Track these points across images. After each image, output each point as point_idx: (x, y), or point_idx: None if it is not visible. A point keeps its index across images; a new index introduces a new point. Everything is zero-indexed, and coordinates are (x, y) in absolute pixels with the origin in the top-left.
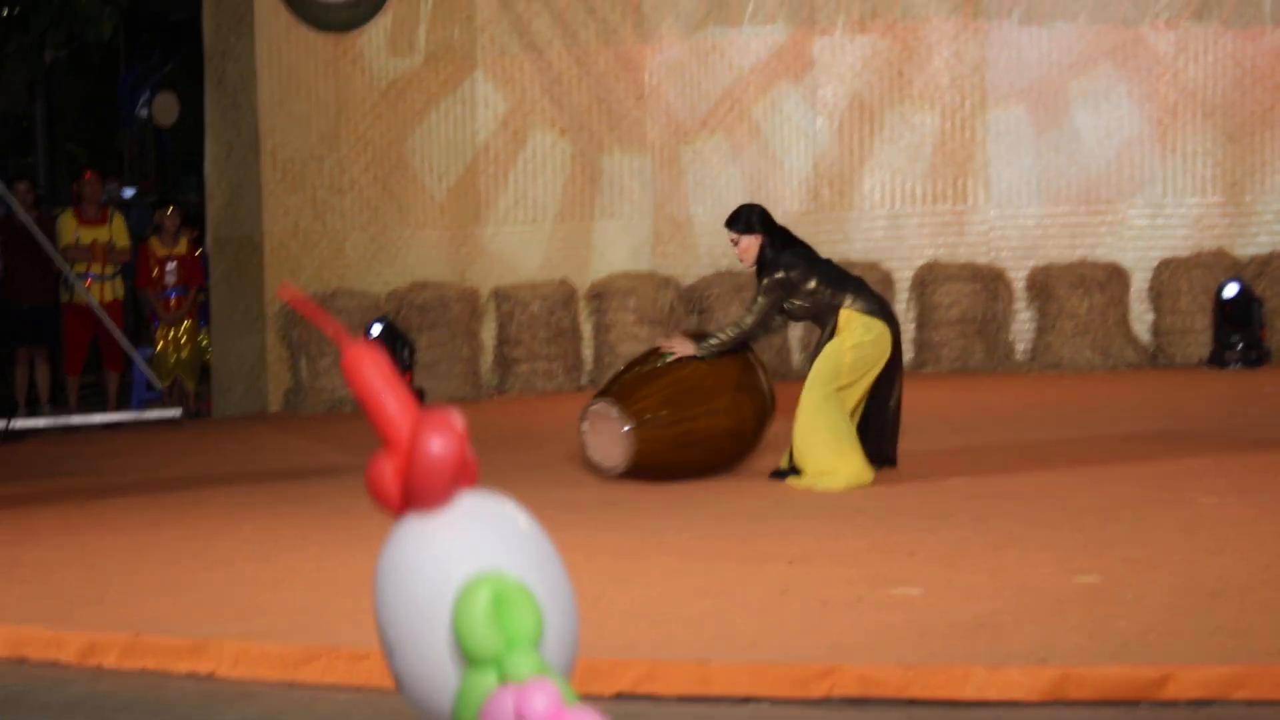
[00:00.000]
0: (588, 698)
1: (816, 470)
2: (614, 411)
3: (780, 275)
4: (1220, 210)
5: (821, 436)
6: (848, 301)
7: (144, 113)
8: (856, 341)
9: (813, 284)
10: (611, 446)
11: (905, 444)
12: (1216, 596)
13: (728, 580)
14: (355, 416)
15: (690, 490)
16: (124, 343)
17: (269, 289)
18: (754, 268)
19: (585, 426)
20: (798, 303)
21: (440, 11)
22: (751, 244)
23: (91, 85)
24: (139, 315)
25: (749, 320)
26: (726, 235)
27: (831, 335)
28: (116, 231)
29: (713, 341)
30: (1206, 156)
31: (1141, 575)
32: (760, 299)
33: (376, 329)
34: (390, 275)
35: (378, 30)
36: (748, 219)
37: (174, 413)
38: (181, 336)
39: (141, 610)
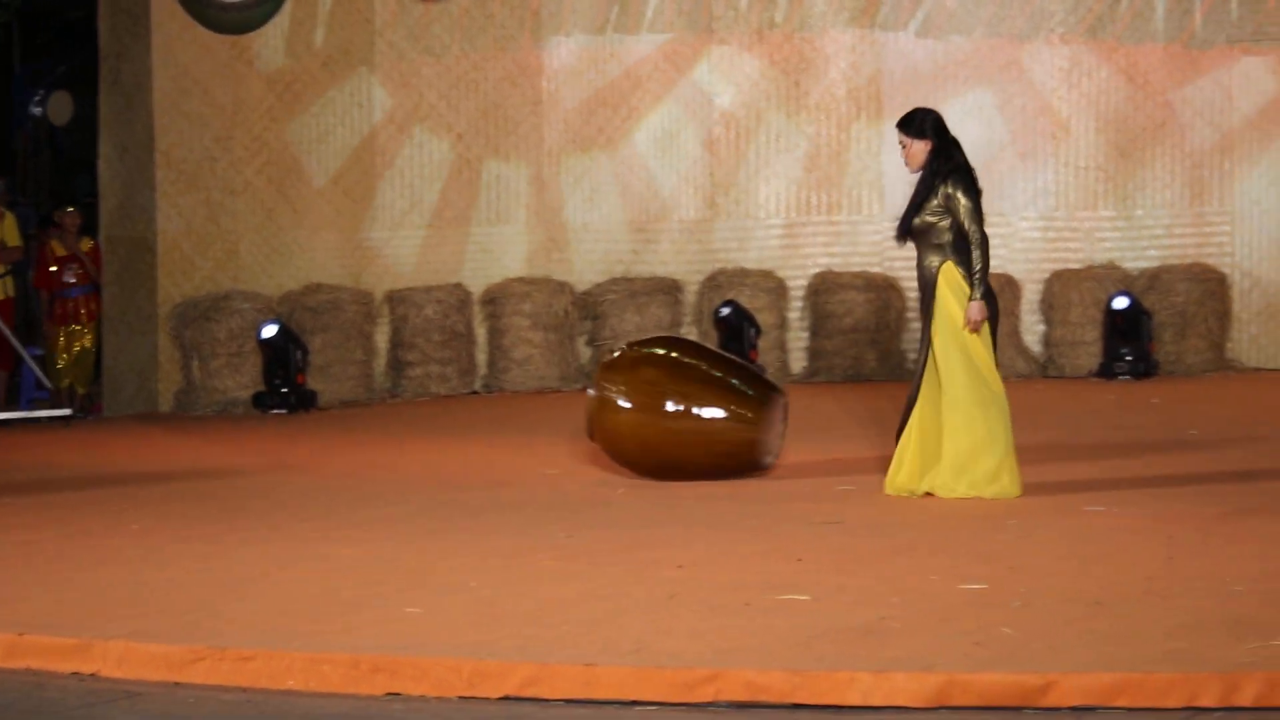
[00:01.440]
0: (474, 700)
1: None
2: None
3: (967, 173)
4: (1111, 224)
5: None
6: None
7: (38, 111)
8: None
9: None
10: None
11: (800, 451)
12: (1100, 605)
13: (616, 585)
14: (246, 417)
15: (583, 495)
16: (14, 342)
17: (162, 290)
18: (917, 173)
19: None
20: (936, 227)
21: (337, 14)
22: (921, 150)
23: None
24: (29, 314)
25: (976, 228)
26: (898, 136)
27: (933, 290)
28: (7, 230)
29: (977, 276)
30: (1098, 171)
31: (1027, 583)
32: (965, 201)
33: (270, 331)
34: (284, 277)
35: (274, 32)
36: (921, 123)
37: (64, 412)
38: (85, 338)
39: (26, 609)
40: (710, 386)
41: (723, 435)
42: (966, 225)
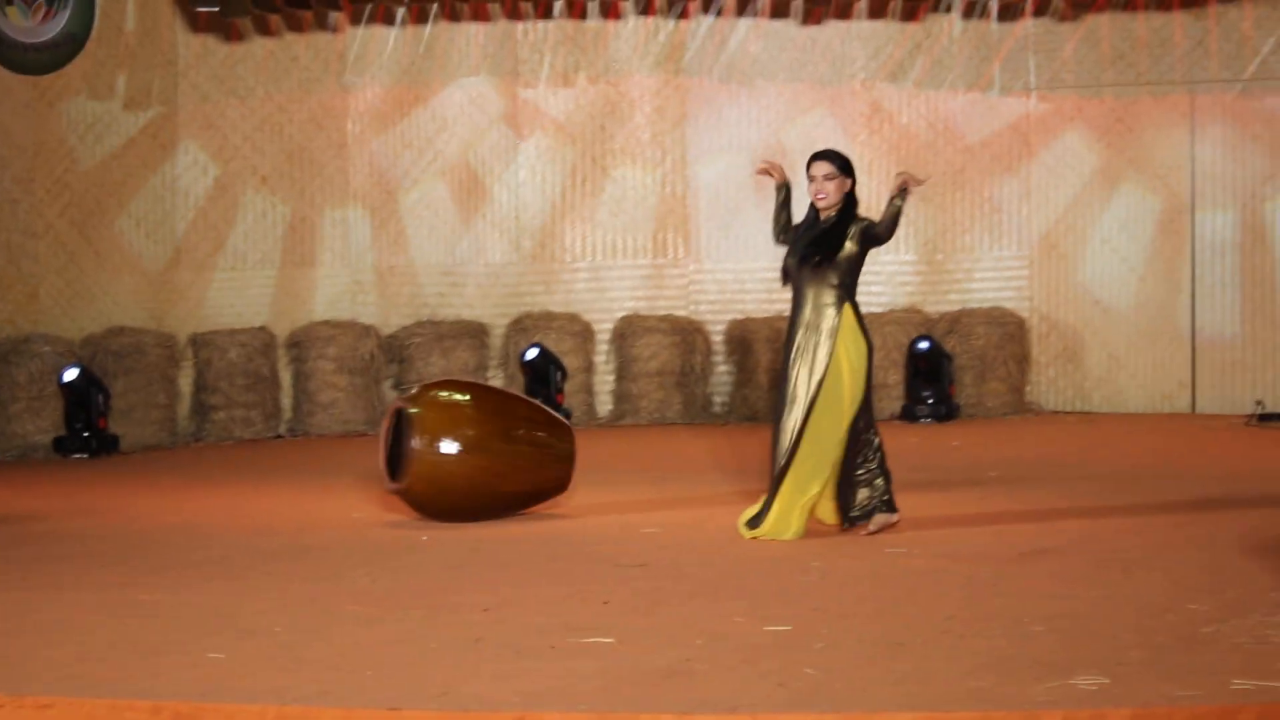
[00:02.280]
0: None
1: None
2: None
3: (867, 231)
4: (913, 268)
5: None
6: (854, 298)
7: None
8: (860, 352)
9: (860, 263)
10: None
11: (605, 493)
12: (901, 646)
13: (420, 629)
14: (47, 462)
15: (387, 540)
16: None
17: None
18: (825, 211)
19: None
20: (838, 266)
21: (140, 56)
22: (842, 185)
23: None
24: None
25: (823, 249)
26: (818, 167)
27: (833, 332)
28: None
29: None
30: (901, 216)
31: (830, 625)
32: (873, 233)
33: (71, 374)
34: (86, 320)
35: (76, 73)
36: (846, 159)
37: None
38: None
39: None
40: (525, 422)
41: (546, 467)
42: (882, 231)
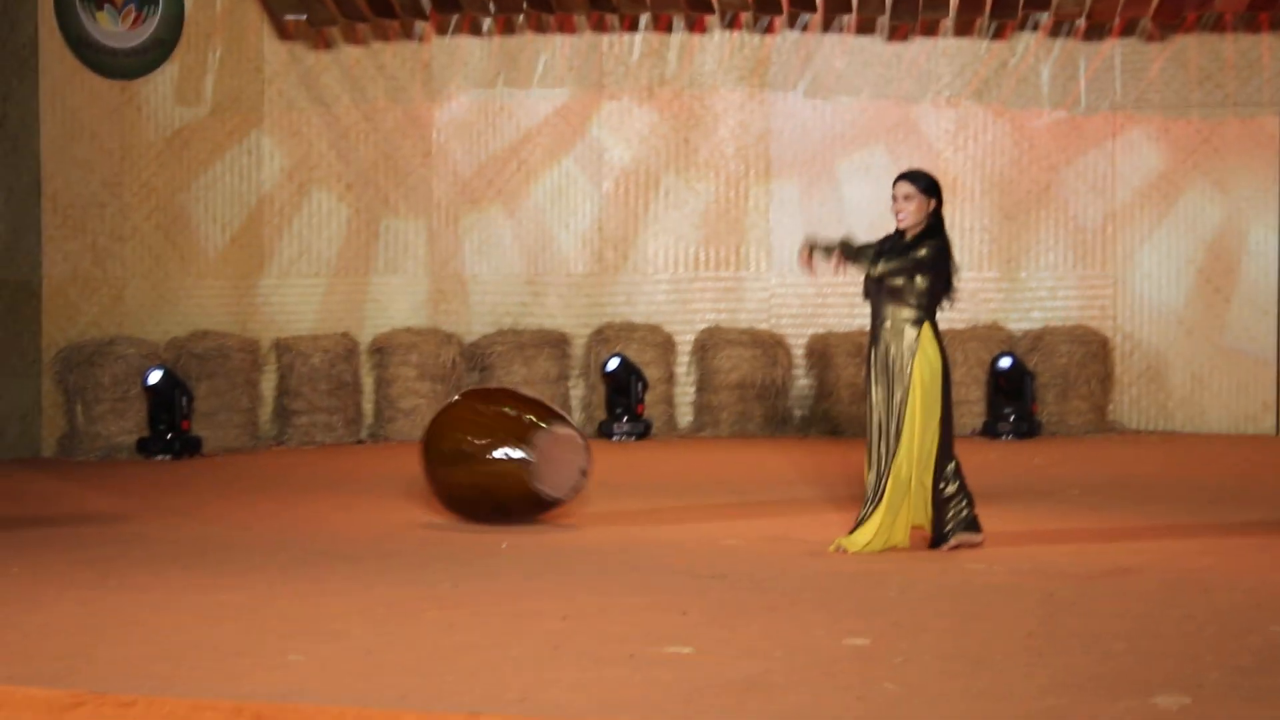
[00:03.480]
0: None
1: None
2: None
3: (942, 250)
4: (995, 285)
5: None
6: (934, 316)
7: None
8: (936, 372)
9: (943, 279)
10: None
11: (684, 501)
12: (980, 662)
13: (500, 635)
14: (130, 463)
15: (467, 545)
16: None
17: (46, 334)
18: (902, 229)
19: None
20: (915, 284)
21: (228, 62)
22: (923, 206)
23: None
24: None
25: (881, 267)
26: (899, 187)
27: (911, 352)
28: None
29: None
30: (983, 233)
31: (909, 640)
32: (914, 257)
33: (155, 376)
34: (170, 324)
35: (164, 78)
36: (932, 180)
37: None
38: None
39: None
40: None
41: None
42: (919, 265)
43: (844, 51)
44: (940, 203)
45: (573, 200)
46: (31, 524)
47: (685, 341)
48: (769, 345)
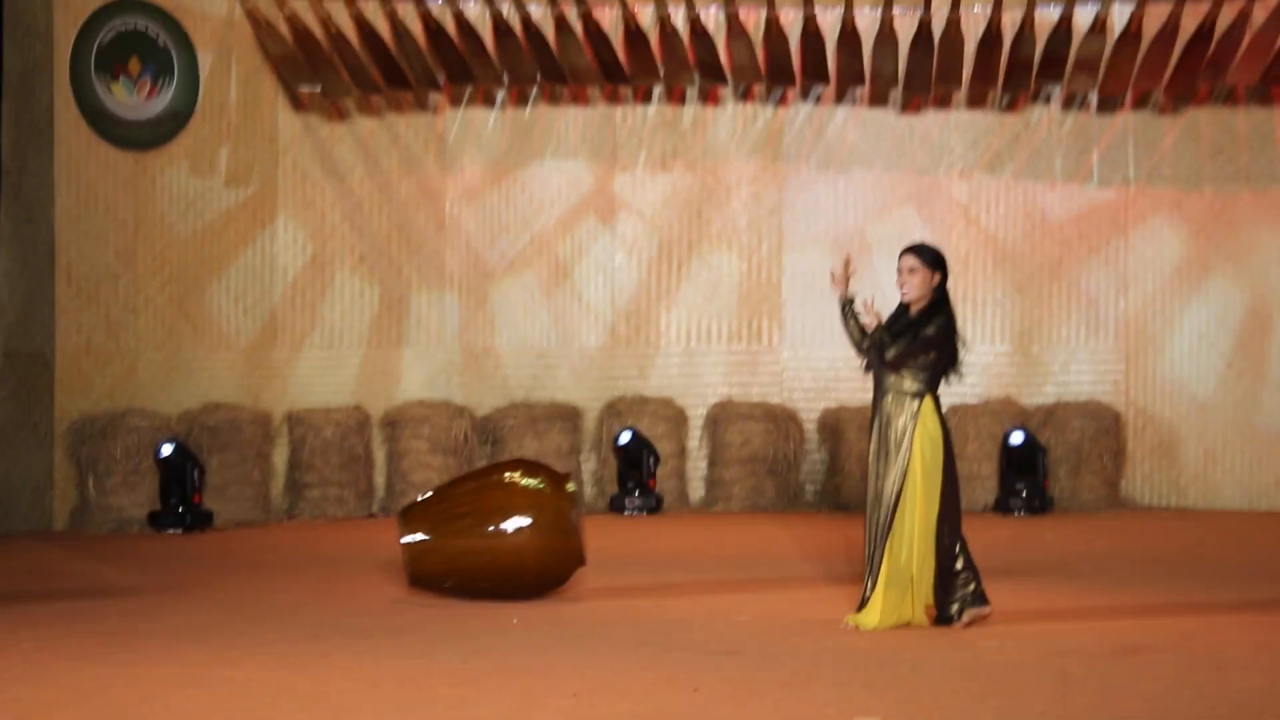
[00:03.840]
0: None
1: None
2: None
3: (948, 327)
4: (1008, 359)
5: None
6: (935, 391)
7: None
8: (937, 448)
9: (943, 357)
10: None
11: (696, 576)
12: None
13: (512, 711)
14: (142, 536)
15: (477, 618)
16: None
17: (59, 406)
18: (906, 303)
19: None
20: (918, 359)
21: (242, 133)
22: (928, 279)
23: None
24: None
25: (893, 352)
26: (904, 260)
27: (911, 427)
28: None
29: (863, 322)
30: (996, 306)
31: (921, 717)
32: (923, 336)
33: (167, 449)
34: (182, 396)
35: (179, 149)
36: (937, 254)
37: None
38: None
39: None
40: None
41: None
42: (928, 344)
43: (857, 124)
44: (945, 276)
45: (586, 273)
46: (43, 598)
47: (698, 415)
48: (781, 419)
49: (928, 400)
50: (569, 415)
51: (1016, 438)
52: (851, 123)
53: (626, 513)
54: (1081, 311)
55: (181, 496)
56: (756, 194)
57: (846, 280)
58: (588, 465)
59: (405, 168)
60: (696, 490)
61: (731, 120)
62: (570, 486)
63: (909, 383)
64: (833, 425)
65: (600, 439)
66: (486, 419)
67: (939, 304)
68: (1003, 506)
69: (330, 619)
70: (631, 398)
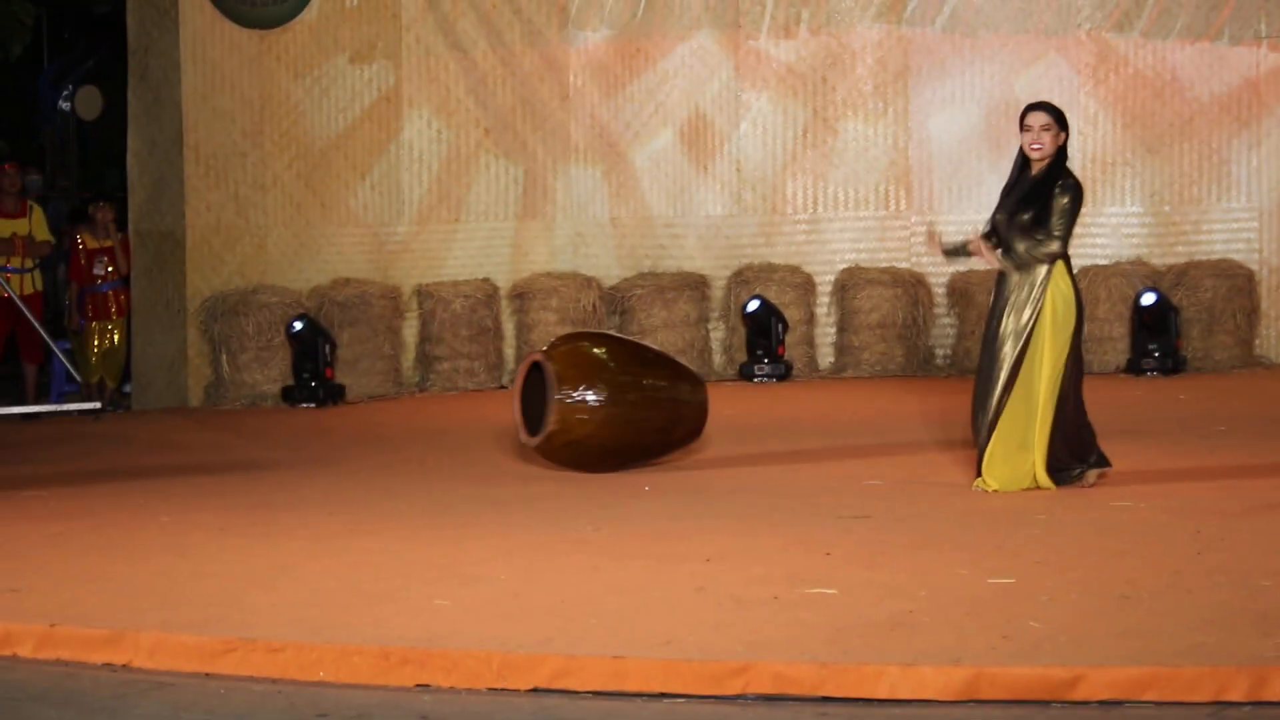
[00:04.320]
0: (504, 692)
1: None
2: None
3: (1079, 194)
4: (1139, 220)
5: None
6: (1066, 253)
7: (66, 106)
8: (1069, 309)
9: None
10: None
11: (826, 442)
12: (1127, 599)
13: (643, 578)
14: (275, 411)
15: (609, 488)
16: (44, 335)
17: (190, 284)
18: (1035, 163)
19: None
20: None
21: (365, 10)
22: (1056, 138)
23: (14, 78)
24: (57, 308)
25: (1056, 245)
26: (1035, 118)
27: (1043, 288)
28: (36, 224)
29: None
30: (1126, 166)
31: (1054, 578)
32: (1062, 216)
33: (298, 325)
34: (312, 272)
35: (302, 27)
36: (1062, 114)
37: (93, 405)
38: (115, 333)
39: (57, 600)
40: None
41: (686, 406)
42: (1056, 221)
43: None
44: (1068, 136)
45: (710, 142)
46: (179, 472)
47: (825, 282)
48: (910, 284)
49: (1059, 263)
50: (696, 284)
51: (1148, 298)
52: None
53: (756, 380)
54: (1213, 170)
55: (313, 371)
56: (882, 59)
57: (937, 243)
58: (716, 334)
59: (528, 40)
60: (825, 357)
61: None
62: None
63: (1040, 246)
64: (962, 289)
65: (728, 307)
66: (614, 289)
67: (1062, 164)
68: (1135, 367)
69: (462, 490)
70: (759, 265)
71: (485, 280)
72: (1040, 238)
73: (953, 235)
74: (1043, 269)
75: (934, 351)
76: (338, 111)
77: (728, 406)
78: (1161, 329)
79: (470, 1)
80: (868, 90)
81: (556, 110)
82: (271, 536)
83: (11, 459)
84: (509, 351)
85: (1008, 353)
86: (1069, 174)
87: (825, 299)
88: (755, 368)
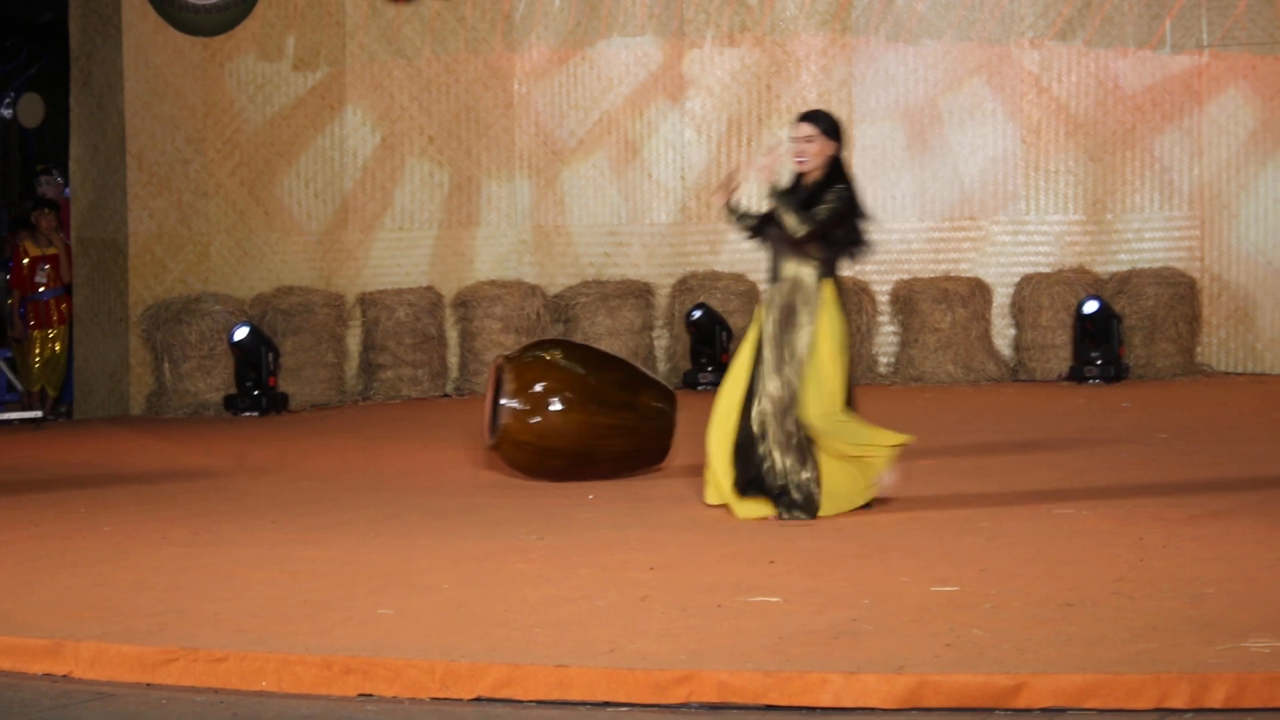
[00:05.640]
0: (447, 701)
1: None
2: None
3: (852, 195)
4: (1082, 228)
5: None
6: (835, 271)
7: (8, 113)
8: (837, 332)
9: (849, 231)
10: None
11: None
12: (1070, 606)
13: (588, 586)
14: (218, 420)
15: (554, 498)
16: None
17: (133, 291)
18: (802, 175)
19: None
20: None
21: (309, 17)
22: (825, 149)
23: None
24: None
25: (805, 227)
26: (798, 128)
27: (811, 309)
28: None
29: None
30: (1069, 175)
31: (998, 585)
32: (824, 207)
33: (241, 333)
34: (255, 280)
35: (246, 34)
36: (834, 122)
37: (35, 414)
38: (55, 342)
39: None
40: (625, 378)
41: (647, 425)
42: (823, 216)
43: None
44: (841, 146)
45: (655, 149)
46: (121, 481)
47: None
48: (853, 292)
49: (829, 285)
50: (641, 292)
51: (1091, 306)
52: None
53: (700, 388)
54: (1155, 179)
55: (256, 380)
56: (826, 67)
57: (729, 191)
58: (660, 342)
59: (472, 48)
60: None
61: None
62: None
63: (808, 264)
64: (905, 297)
65: (672, 315)
66: (559, 297)
67: (836, 175)
68: (1077, 375)
69: (407, 498)
70: (703, 273)
71: (429, 288)
72: (800, 218)
73: (890, 235)
74: (809, 293)
75: (877, 359)
76: (281, 118)
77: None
78: (1104, 337)
79: (414, 9)
80: (812, 98)
81: (500, 118)
82: (214, 545)
83: None
84: (453, 359)
85: (781, 389)
86: (840, 181)
87: None
88: (699, 375)
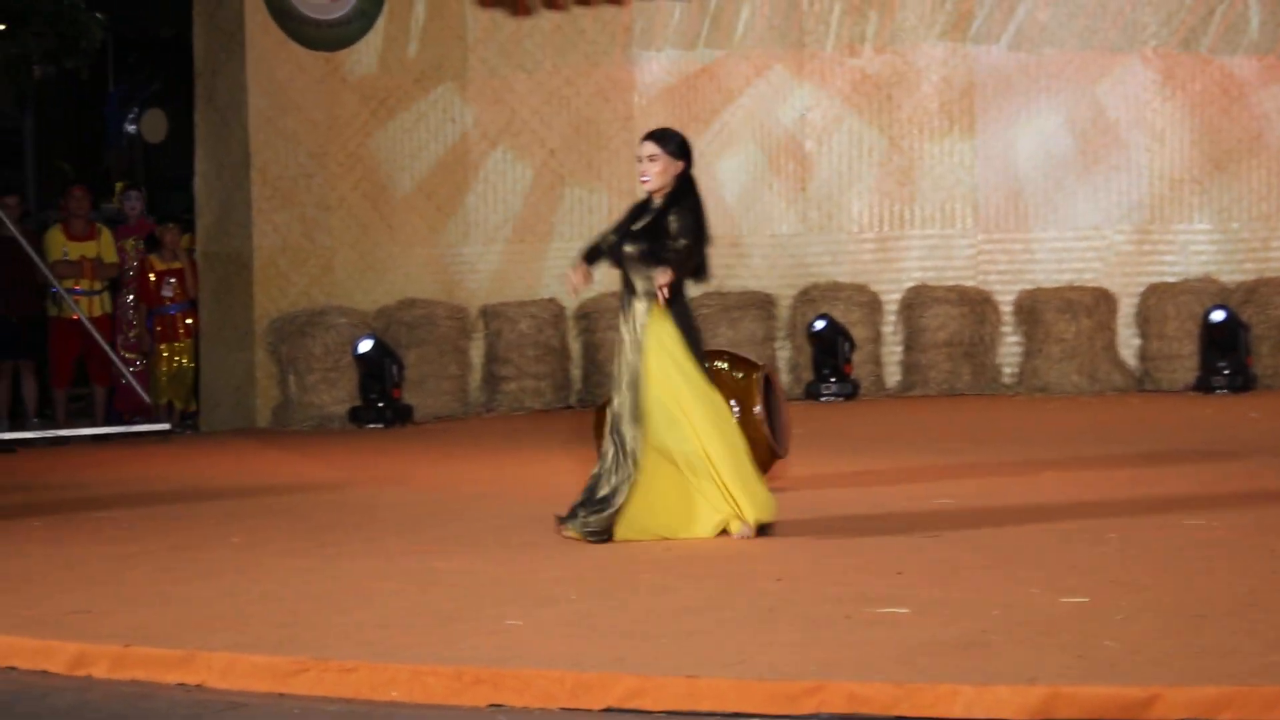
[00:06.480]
0: (577, 711)
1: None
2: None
3: (690, 217)
4: (1207, 237)
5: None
6: (682, 289)
7: (132, 129)
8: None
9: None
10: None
11: (895, 461)
12: (1203, 618)
13: (715, 597)
14: (342, 432)
15: None
16: (114, 357)
17: (258, 305)
18: (650, 194)
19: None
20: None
21: (430, 30)
22: (668, 167)
23: (80, 101)
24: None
25: (693, 247)
26: (642, 147)
27: (646, 328)
28: (104, 247)
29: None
30: (1194, 184)
31: (1129, 596)
32: (693, 227)
33: (366, 345)
34: (379, 293)
35: (368, 48)
36: (681, 141)
37: (162, 427)
38: (182, 355)
39: (131, 621)
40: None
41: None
42: (682, 242)
43: (1048, 3)
44: (690, 164)
45: (776, 160)
46: (249, 494)
47: (891, 300)
48: (976, 302)
49: (664, 307)
50: (762, 303)
51: (1217, 315)
52: (1042, 2)
53: (823, 399)
54: None
55: (381, 392)
56: (947, 77)
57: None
58: (782, 352)
59: (592, 60)
60: (892, 375)
61: (919, 3)
62: (756, 378)
63: (650, 284)
64: (1029, 308)
65: (794, 326)
66: None
67: (682, 194)
68: (1204, 385)
69: (533, 509)
70: (825, 284)
71: (551, 300)
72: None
73: (1014, 245)
74: (647, 310)
75: (1001, 369)
76: (403, 132)
77: (796, 426)
78: (1231, 346)
79: (534, 22)
80: (933, 108)
81: (620, 130)
82: (341, 557)
83: (82, 481)
84: (575, 372)
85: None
86: (685, 200)
87: (892, 317)
88: (822, 387)
